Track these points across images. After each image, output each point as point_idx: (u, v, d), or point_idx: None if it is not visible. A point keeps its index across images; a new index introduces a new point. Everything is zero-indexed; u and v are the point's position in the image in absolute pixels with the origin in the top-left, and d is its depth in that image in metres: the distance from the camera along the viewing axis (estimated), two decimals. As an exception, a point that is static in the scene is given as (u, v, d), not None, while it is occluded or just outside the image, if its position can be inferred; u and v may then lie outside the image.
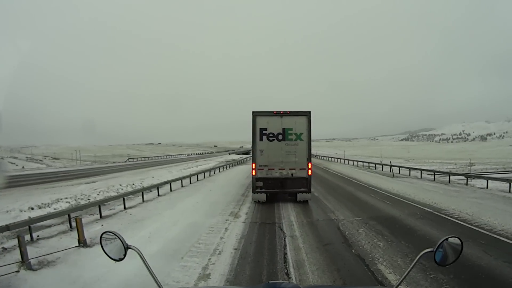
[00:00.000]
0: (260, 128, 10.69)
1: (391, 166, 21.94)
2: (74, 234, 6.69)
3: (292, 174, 10.62)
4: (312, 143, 10.94)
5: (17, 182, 18.39)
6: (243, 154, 65.57)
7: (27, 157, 61.44)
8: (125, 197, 11.25)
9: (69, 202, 11.99)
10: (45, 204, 11.47)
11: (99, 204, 9.35)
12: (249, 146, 68.28)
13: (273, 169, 10.65)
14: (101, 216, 9.09)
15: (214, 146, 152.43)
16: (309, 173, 10.57)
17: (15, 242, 6.37)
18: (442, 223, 7.71)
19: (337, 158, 41.03)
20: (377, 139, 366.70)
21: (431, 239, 6.20)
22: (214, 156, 59.79)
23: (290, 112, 10.76)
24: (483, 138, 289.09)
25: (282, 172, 10.65)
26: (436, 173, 18.29)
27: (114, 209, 10.31)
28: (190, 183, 16.68)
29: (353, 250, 5.69)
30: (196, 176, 18.36)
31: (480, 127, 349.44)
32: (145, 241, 6.30)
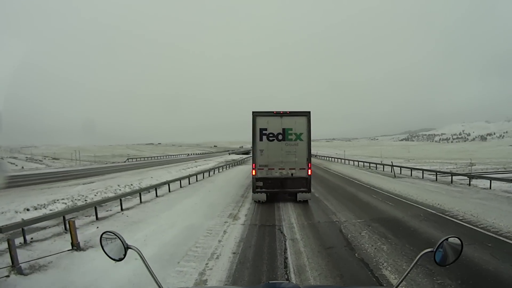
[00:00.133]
0: (260, 128, 10.71)
1: (392, 166, 21.73)
2: (69, 236, 6.48)
3: (292, 174, 10.63)
4: (312, 143, 10.96)
5: (14, 182, 18.18)
6: (243, 154, 65.37)
7: (26, 157, 61.31)
8: (123, 198, 11.08)
9: (66, 203, 11.80)
10: (41, 205, 11.29)
11: (95, 206, 9.16)
12: (249, 146, 68.21)
13: (273, 169, 10.66)
14: (97, 218, 8.90)
15: (214, 146, 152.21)
16: (309, 173, 10.59)
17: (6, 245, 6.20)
18: (446, 225, 7.50)
19: (337, 158, 40.85)
20: (377, 139, 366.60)
21: (437, 242, 5.99)
22: (214, 156, 59.58)
23: (290, 112, 10.77)
24: (483, 138, 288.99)
25: (282, 172, 10.66)
26: (438, 174, 18.05)
27: (110, 210, 10.12)
28: (189, 183, 16.46)
29: (356, 254, 5.48)
30: (195, 176, 18.13)
31: (480, 127, 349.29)
32: (141, 244, 6.07)
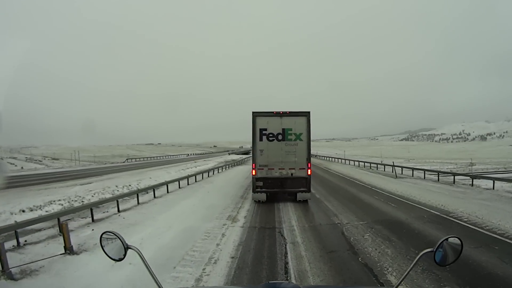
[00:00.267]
0: (260, 128, 10.74)
1: (393, 166, 21.51)
2: (62, 239, 6.29)
3: (291, 174, 10.66)
4: (311, 143, 11.01)
5: (12, 183, 17.98)
6: (242, 154, 65.12)
7: (26, 157, 61.07)
8: (120, 199, 10.89)
9: (62, 204, 11.62)
10: (37, 207, 11.11)
11: (91, 207, 8.95)
12: (248, 146, 68.00)
13: (273, 169, 10.70)
14: (93, 220, 8.71)
15: (214, 146, 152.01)
16: (309, 172, 10.63)
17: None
18: (451, 227, 7.30)
19: (338, 158, 40.68)
20: (377, 139, 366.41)
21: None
22: (214, 156, 59.34)
23: (289, 112, 10.80)
24: (483, 138, 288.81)
25: (282, 172, 10.69)
26: (440, 174, 17.83)
27: (107, 212, 9.92)
28: (188, 184, 16.26)
29: (359, 259, 5.26)
30: (194, 177, 17.92)
31: (480, 127, 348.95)
32: (138, 247, 5.88)
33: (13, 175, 26.24)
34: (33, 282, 5.00)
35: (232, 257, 5.40)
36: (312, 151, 11.31)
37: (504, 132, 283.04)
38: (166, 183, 13.86)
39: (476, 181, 14.98)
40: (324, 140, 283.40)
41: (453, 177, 16.41)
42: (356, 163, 32.63)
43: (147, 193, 12.73)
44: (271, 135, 10.76)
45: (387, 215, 8.77)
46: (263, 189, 10.65)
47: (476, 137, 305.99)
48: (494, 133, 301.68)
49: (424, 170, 19.71)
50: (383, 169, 24.70)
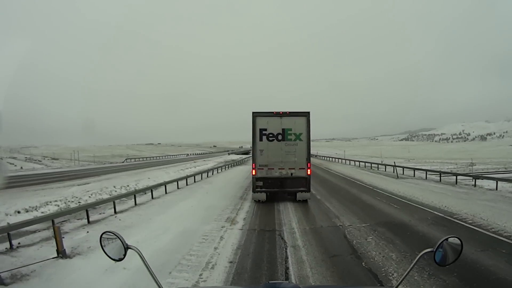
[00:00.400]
0: (260, 129, 10.79)
1: (395, 166, 21.29)
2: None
3: (291, 174, 10.71)
4: (311, 143, 11.09)
5: (9, 183, 17.76)
6: (242, 154, 64.90)
7: (26, 157, 60.85)
8: (118, 200, 10.72)
9: (58, 205, 11.45)
10: (32, 208, 10.92)
11: (87, 209, 8.74)
12: (248, 146, 67.81)
13: (273, 168, 10.74)
14: (88, 222, 8.50)
15: (214, 146, 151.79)
16: (308, 172, 10.68)
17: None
18: (456, 230, 7.09)
19: (338, 158, 40.50)
20: (377, 139, 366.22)
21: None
22: (213, 156, 59.13)
23: (289, 112, 10.86)
24: (483, 138, 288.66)
25: (281, 172, 10.74)
26: (442, 174, 17.61)
27: (104, 213, 9.72)
28: (187, 184, 16.04)
29: (363, 263, 5.05)
30: (193, 177, 17.70)
31: (480, 127, 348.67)
32: (130, 252, 5.66)
33: (12, 175, 26.04)
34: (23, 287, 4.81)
35: (230, 262, 5.17)
36: (312, 151, 11.37)
37: (504, 132, 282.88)
38: (165, 184, 13.66)
39: (478, 182, 14.79)
40: (324, 140, 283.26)
41: (455, 177, 16.22)
42: (357, 163, 32.43)
43: (145, 193, 12.54)
44: (271, 135, 10.79)
45: (390, 217, 8.56)
46: (263, 189, 10.69)
47: (476, 137, 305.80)
48: (494, 133, 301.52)
49: (426, 170, 19.50)
50: (384, 169, 24.51)
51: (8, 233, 6.56)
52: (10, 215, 9.87)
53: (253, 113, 10.84)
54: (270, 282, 1.55)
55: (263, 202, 10.77)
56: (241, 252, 5.69)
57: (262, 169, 10.73)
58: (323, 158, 47.38)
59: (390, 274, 4.60)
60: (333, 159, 41.93)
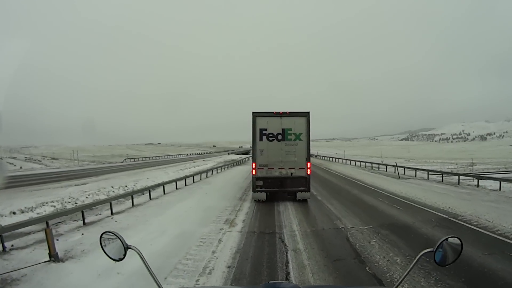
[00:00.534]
0: (260, 128, 10.85)
1: (396, 166, 21.08)
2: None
3: (291, 174, 10.76)
4: (311, 143, 11.15)
5: (6, 183, 17.55)
6: (242, 154, 64.70)
7: (25, 157, 60.64)
8: (116, 201, 10.53)
9: (55, 206, 11.28)
10: (28, 208, 10.76)
11: (82, 210, 8.54)
12: (248, 146, 67.68)
13: (273, 168, 10.80)
14: (84, 223, 8.30)
15: (213, 146, 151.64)
16: (308, 172, 10.73)
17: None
18: (462, 232, 6.88)
19: (338, 158, 40.31)
20: (377, 139, 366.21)
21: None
22: (213, 156, 58.94)
23: (289, 112, 10.91)
24: (483, 138, 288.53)
25: (281, 172, 10.79)
26: (444, 174, 17.39)
27: (100, 214, 9.52)
28: (186, 185, 15.83)
29: (367, 268, 4.83)
30: (192, 177, 17.48)
31: (480, 126, 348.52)
32: (129, 253, 5.45)
33: (10, 175, 25.82)
34: (13, 293, 4.61)
35: (229, 267, 4.96)
36: (312, 151, 11.44)
37: (504, 132, 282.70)
38: (163, 184, 13.46)
39: (480, 182, 14.59)
40: (324, 140, 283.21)
41: (457, 177, 16.01)
42: (357, 163, 32.22)
43: (143, 194, 12.35)
44: (271, 135, 10.83)
45: (393, 219, 8.34)
46: (263, 189, 10.76)
47: (476, 137, 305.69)
48: (494, 133, 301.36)
49: (428, 170, 19.29)
50: (384, 169, 24.31)
51: (0, 235, 6.39)
52: (5, 216, 9.69)
53: (253, 113, 10.89)
54: (270, 282, 1.54)
55: (263, 203, 10.68)
56: (240, 256, 5.46)
57: (262, 169, 10.78)
58: (323, 158, 47.19)
59: (396, 280, 4.38)
60: (333, 159, 41.73)
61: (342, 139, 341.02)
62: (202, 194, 12.95)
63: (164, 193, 12.90)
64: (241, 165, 33.65)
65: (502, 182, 13.23)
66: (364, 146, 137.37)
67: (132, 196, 10.87)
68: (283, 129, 10.82)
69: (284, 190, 11.00)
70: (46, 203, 11.62)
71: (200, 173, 20.05)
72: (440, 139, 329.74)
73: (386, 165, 24.57)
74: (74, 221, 8.74)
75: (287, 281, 3.76)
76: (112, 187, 15.25)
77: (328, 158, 44.94)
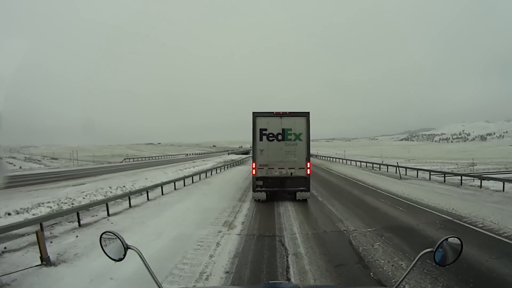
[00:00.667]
0: (260, 128, 10.89)
1: (397, 167, 20.87)
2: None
3: (291, 173, 10.81)
4: (311, 143, 11.25)
5: (5, 183, 17.32)
6: (242, 154, 64.48)
7: (25, 157, 60.47)
8: (113, 202, 10.34)
9: (51, 207, 11.07)
10: (24, 209, 10.56)
11: (77, 211, 8.34)
12: (248, 146, 67.43)
13: (273, 168, 10.85)
14: (79, 225, 8.10)
15: (213, 146, 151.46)
16: (308, 172, 10.79)
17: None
18: (467, 234, 6.68)
19: (338, 158, 40.12)
20: (377, 139, 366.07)
21: (461, 256, 5.15)
22: (213, 156, 58.72)
23: (289, 112, 10.96)
24: (483, 138, 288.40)
25: (281, 172, 10.84)
26: (446, 175, 17.18)
27: (96, 215, 9.33)
28: (184, 185, 15.61)
29: (371, 274, 4.63)
30: (191, 178, 17.27)
31: (480, 127, 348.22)
32: (128, 254, 5.24)
33: (8, 175, 25.59)
34: (2, 300, 4.42)
35: (227, 272, 4.74)
36: (312, 151, 11.46)
37: (504, 132, 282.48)
38: (161, 185, 13.26)
39: (483, 182, 14.39)
40: (324, 140, 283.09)
41: (460, 177, 15.83)
42: (357, 163, 32.02)
43: (141, 195, 12.15)
44: (271, 135, 10.86)
45: (396, 221, 8.12)
46: (263, 188, 10.80)
47: (476, 137, 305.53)
48: (494, 133, 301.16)
49: (429, 170, 19.09)
50: (385, 170, 24.11)
51: (-7, 238, 6.21)
52: (0, 217, 9.49)
53: (253, 113, 10.92)
54: (270, 282, 1.52)
55: (263, 204, 10.53)
56: (239, 260, 5.24)
57: (262, 168, 10.82)
58: (323, 158, 47.01)
59: (402, 286, 4.19)
60: (334, 159, 41.54)
61: (342, 139, 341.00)
62: (200, 195, 12.74)
63: (162, 194, 12.70)
64: (241, 165, 33.44)
65: (505, 183, 13.01)
66: (364, 146, 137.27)
67: (129, 197, 10.66)
68: (283, 129, 10.85)
69: (284, 190, 11.03)
70: (42, 203, 11.43)
71: (199, 173, 19.84)
72: (440, 139, 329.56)
73: (387, 165, 24.38)
74: (69, 222, 8.55)
75: (287, 281, 3.73)
76: (110, 187, 15.04)
77: (328, 158, 44.75)
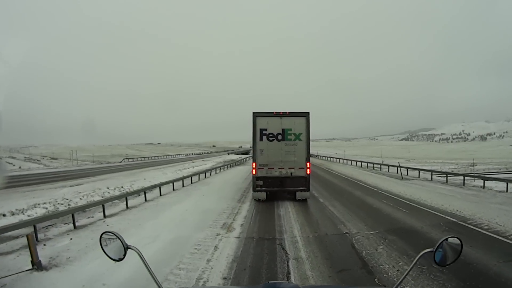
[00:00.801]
0: (260, 129, 10.93)
1: (399, 167, 20.66)
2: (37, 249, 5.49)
3: (291, 173, 10.85)
4: (311, 143, 11.32)
5: (5, 183, 17.11)
6: (242, 154, 64.26)
7: (25, 157, 60.29)
8: (110, 203, 10.19)
9: (47, 208, 10.90)
10: (19, 210, 10.39)
11: (73, 213, 8.13)
12: (248, 146, 67.23)
13: (273, 168, 10.89)
14: (75, 227, 7.90)
15: (213, 146, 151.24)
16: (308, 172, 10.82)
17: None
18: (473, 237, 6.49)
19: (338, 158, 39.93)
20: (377, 139, 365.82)
21: (467, 259, 4.96)
22: (213, 156, 58.50)
23: (289, 113, 11.00)
24: (483, 138, 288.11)
25: (281, 171, 10.88)
26: (448, 175, 16.97)
27: (92, 217, 9.13)
28: (183, 186, 15.41)
29: (376, 279, 4.42)
30: (190, 178, 17.07)
31: (480, 127, 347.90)
32: (114, 263, 5.05)
33: (7, 175, 25.37)
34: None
35: (224, 278, 4.54)
36: (312, 151, 11.45)
37: (504, 132, 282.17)
38: (159, 185, 13.05)
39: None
40: (324, 140, 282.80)
41: (462, 178, 15.63)
42: (358, 163, 31.82)
43: (139, 195, 11.95)
44: (271, 135, 10.88)
45: (400, 223, 7.91)
46: (263, 188, 10.85)
47: (476, 137, 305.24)
48: (494, 133, 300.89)
49: (431, 171, 18.88)
50: (386, 170, 23.90)
51: (-15, 241, 6.01)
52: (-4, 218, 9.30)
53: (253, 113, 10.95)
54: (270, 282, 1.52)
55: (263, 205, 10.39)
56: (237, 265, 5.03)
57: (262, 168, 10.85)
58: (323, 158, 46.80)
59: (402, 287, 4.00)
60: (334, 159, 41.34)
61: (342, 139, 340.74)
62: (199, 195, 12.53)
63: (160, 195, 12.50)
64: (241, 165, 33.23)
65: (509, 184, 12.80)
66: (364, 146, 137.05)
67: (126, 198, 10.45)
68: (283, 129, 10.87)
69: (284, 189, 11.07)
70: (38, 204, 11.25)
71: (198, 173, 19.64)
72: (440, 139, 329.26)
73: (388, 165, 24.17)
74: (65, 224, 8.36)
75: (287, 281, 3.65)
76: (108, 188, 14.84)
77: (328, 158, 44.54)
